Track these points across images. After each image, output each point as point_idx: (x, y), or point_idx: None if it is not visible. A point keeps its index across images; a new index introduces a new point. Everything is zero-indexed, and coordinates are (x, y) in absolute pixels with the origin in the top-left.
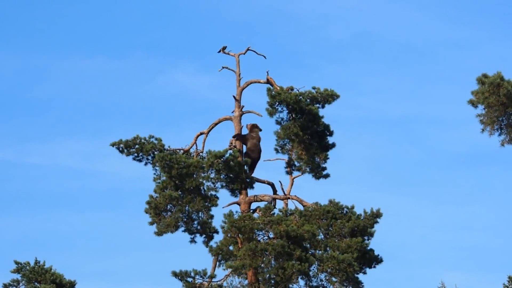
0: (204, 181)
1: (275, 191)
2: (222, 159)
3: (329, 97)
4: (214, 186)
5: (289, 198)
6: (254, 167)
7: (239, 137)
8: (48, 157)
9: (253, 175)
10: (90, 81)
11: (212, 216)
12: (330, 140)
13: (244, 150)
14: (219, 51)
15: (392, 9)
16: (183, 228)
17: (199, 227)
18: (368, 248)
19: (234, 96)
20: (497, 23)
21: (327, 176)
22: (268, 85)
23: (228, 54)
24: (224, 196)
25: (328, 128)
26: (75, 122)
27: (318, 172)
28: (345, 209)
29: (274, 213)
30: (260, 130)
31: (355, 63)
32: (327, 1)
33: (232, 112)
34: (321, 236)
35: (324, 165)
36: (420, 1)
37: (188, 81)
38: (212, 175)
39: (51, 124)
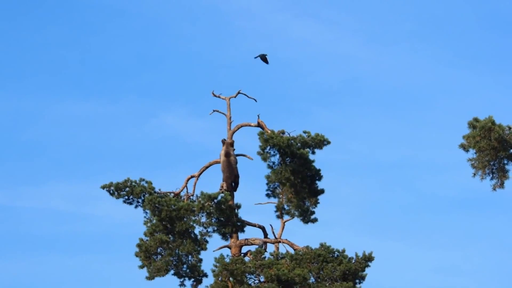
0: (195, 225)
1: (266, 235)
2: (214, 201)
3: (320, 143)
4: (207, 231)
5: (280, 241)
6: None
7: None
8: (40, 201)
9: (244, 218)
10: (82, 124)
11: (201, 260)
12: (320, 185)
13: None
14: (258, 57)
15: (382, 54)
16: (172, 272)
17: (188, 271)
18: None
19: (222, 140)
20: (489, 68)
21: (315, 220)
22: (259, 129)
23: (219, 97)
24: (214, 239)
25: (318, 173)
26: (67, 165)
27: (307, 216)
28: (336, 252)
29: (265, 257)
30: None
31: (346, 107)
32: (317, 46)
33: None
34: (312, 280)
35: (313, 209)
36: (411, 46)
37: (179, 125)
38: (203, 219)
39: (43, 167)
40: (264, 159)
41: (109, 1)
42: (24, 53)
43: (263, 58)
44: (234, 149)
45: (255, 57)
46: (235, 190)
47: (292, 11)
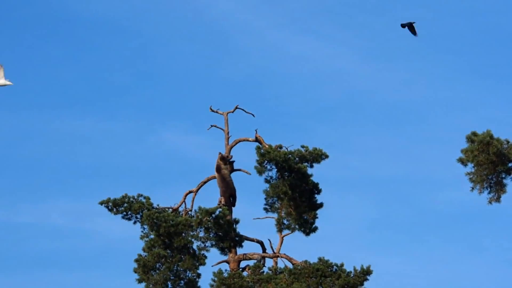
0: (193, 240)
1: (264, 250)
2: (212, 215)
3: (318, 157)
4: (205, 246)
5: (278, 256)
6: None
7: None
8: (39, 217)
9: (242, 233)
10: (81, 141)
11: (199, 275)
12: (319, 198)
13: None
14: (406, 25)
15: (380, 70)
16: (170, 286)
17: (185, 286)
18: None
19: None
20: (486, 83)
21: (316, 229)
22: (257, 144)
23: (217, 112)
24: (213, 254)
25: (316, 187)
26: (66, 181)
27: (308, 228)
28: (334, 267)
29: (263, 272)
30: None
31: (344, 123)
32: (316, 62)
33: None
34: None
35: (312, 222)
36: (408, 62)
37: (178, 140)
38: (201, 234)
39: (42, 183)
40: (260, 173)
41: (106, 18)
42: (22, 70)
43: (410, 27)
44: (229, 162)
45: (403, 25)
46: (234, 205)
47: (290, 27)
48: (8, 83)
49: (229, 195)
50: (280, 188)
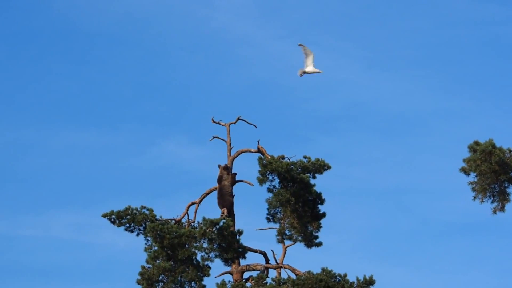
0: (196, 251)
1: (267, 260)
2: (216, 226)
3: (320, 168)
4: (208, 256)
5: (281, 267)
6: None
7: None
8: (41, 229)
9: (245, 244)
10: (82, 153)
11: (204, 286)
12: (322, 208)
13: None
14: None
15: (382, 80)
16: None
17: None
18: None
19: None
20: (488, 93)
21: (319, 244)
22: (259, 155)
23: (218, 123)
24: (216, 265)
25: (320, 197)
26: (68, 194)
27: (311, 241)
28: (338, 277)
29: (266, 282)
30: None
31: (346, 134)
32: (317, 73)
33: None
34: None
35: (316, 234)
36: (410, 72)
37: (180, 152)
38: (205, 245)
39: (44, 196)
40: (262, 184)
41: (108, 30)
42: (23, 83)
43: None
44: (230, 173)
45: None
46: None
47: (292, 38)
48: (317, 70)
49: (223, 207)
50: (283, 195)
